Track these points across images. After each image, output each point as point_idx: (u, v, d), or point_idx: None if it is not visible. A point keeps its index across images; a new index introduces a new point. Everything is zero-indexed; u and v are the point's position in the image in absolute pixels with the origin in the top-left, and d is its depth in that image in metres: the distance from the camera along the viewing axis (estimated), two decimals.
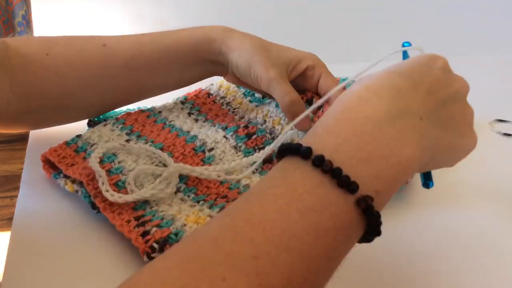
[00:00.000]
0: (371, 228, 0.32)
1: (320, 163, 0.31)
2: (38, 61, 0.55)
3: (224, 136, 0.56)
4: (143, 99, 0.62)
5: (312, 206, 0.30)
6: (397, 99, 0.34)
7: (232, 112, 0.62)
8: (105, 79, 0.57)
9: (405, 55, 0.47)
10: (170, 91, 0.62)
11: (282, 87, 0.53)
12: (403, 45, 0.45)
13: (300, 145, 0.32)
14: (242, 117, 0.60)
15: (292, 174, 0.32)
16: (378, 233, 0.33)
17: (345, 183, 0.31)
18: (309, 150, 0.32)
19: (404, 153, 0.33)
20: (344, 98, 0.35)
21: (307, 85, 0.57)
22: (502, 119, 0.70)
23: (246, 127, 0.57)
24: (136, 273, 0.29)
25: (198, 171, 0.49)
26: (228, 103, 0.63)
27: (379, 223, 0.32)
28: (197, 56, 0.58)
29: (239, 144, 0.55)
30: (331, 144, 0.32)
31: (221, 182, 0.51)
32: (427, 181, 0.44)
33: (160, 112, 0.61)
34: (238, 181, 0.51)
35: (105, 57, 0.57)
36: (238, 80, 0.60)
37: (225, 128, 0.57)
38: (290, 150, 0.33)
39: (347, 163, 0.31)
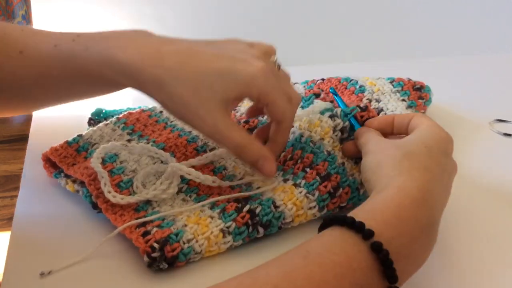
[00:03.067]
0: None
1: (379, 250, 0.35)
2: None
3: None
4: (66, 103, 0.58)
5: (361, 284, 0.35)
6: (434, 207, 0.41)
7: (234, 110, 0.62)
8: (19, 89, 0.53)
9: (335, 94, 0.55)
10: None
11: (224, 136, 0.45)
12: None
13: (363, 224, 0.36)
14: (243, 114, 0.60)
15: (351, 248, 0.36)
16: None
17: (390, 275, 0.35)
18: (371, 233, 0.36)
19: (428, 253, 0.40)
20: (400, 191, 0.40)
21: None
22: (502, 119, 0.70)
23: (246, 122, 0.57)
24: None
25: (194, 174, 0.49)
26: None
27: None
28: (109, 83, 0.51)
29: None
30: (387, 235, 0.36)
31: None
32: None
33: (161, 111, 0.61)
34: (241, 179, 0.51)
35: (19, 67, 0.52)
36: None
37: None
38: (350, 224, 0.37)
39: (394, 256, 0.36)
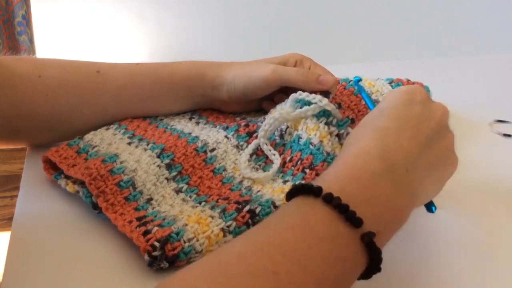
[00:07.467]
0: (372, 264, 0.35)
1: (330, 200, 0.35)
2: (29, 82, 0.54)
3: (226, 136, 0.56)
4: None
5: (324, 235, 0.34)
6: (384, 156, 0.39)
7: (234, 115, 0.62)
8: (96, 107, 0.58)
9: (359, 87, 0.56)
10: None
11: (288, 70, 0.57)
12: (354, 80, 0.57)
13: (310, 184, 0.36)
14: (243, 118, 0.61)
15: (304, 207, 0.36)
16: (378, 269, 0.36)
17: (351, 218, 0.35)
18: (320, 188, 0.36)
19: (398, 202, 0.38)
20: (343, 153, 0.41)
21: None
22: (502, 119, 0.70)
23: (246, 125, 0.57)
24: (163, 282, 0.32)
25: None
26: None
27: (380, 259, 0.35)
28: (189, 91, 0.60)
29: (241, 143, 0.56)
30: (338, 186, 0.37)
31: (223, 183, 0.51)
32: (430, 207, 0.46)
33: (161, 119, 0.62)
34: (240, 182, 0.52)
35: (98, 84, 0.57)
36: (240, 106, 0.62)
37: (226, 128, 0.57)
38: (302, 190, 0.37)
39: (352, 203, 0.35)
